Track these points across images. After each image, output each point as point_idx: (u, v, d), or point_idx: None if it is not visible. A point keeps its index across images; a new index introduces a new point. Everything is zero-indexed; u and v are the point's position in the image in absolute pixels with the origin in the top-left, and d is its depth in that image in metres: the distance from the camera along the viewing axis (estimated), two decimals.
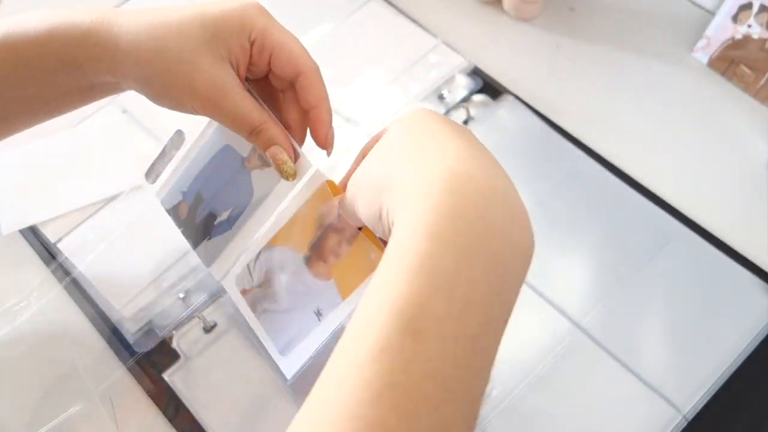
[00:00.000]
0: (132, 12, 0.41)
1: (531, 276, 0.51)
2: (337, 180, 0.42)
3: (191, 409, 0.47)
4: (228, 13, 0.40)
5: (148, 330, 0.50)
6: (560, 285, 0.51)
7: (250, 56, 0.41)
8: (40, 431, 0.47)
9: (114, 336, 0.50)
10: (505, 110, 0.59)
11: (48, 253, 0.54)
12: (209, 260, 0.46)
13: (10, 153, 0.59)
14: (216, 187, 0.46)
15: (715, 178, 0.56)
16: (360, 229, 0.40)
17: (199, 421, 0.47)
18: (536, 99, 0.60)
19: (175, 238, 0.51)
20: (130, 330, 0.50)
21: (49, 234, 0.55)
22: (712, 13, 0.63)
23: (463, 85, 0.60)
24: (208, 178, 0.46)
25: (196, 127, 0.47)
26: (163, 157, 0.49)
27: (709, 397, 0.47)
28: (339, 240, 0.41)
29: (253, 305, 0.44)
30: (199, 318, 0.51)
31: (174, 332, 0.50)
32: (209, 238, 0.46)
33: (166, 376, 0.48)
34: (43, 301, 0.52)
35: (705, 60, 0.62)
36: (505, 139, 0.58)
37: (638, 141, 0.58)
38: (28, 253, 0.55)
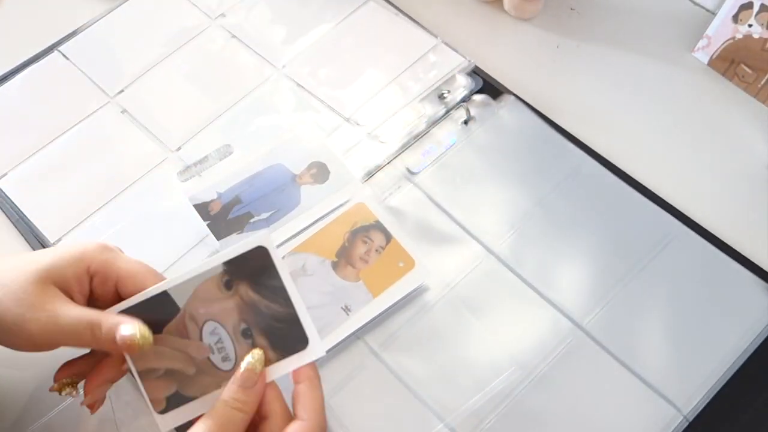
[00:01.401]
0: None
1: (531, 276, 0.51)
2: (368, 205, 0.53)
3: None
4: (64, 253, 0.41)
5: None
6: (561, 285, 0.51)
7: (91, 287, 0.41)
8: (35, 425, 0.47)
9: None
10: (506, 110, 0.59)
11: None
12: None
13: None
14: (260, 193, 0.54)
15: (715, 177, 0.56)
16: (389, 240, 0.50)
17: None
18: (536, 98, 0.60)
19: (173, 241, 0.51)
20: None
21: (48, 234, 0.55)
22: (712, 13, 0.63)
23: (463, 84, 0.60)
24: (252, 185, 0.54)
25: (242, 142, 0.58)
26: (204, 162, 0.56)
27: (710, 397, 0.47)
28: (368, 249, 0.51)
29: None
30: None
31: None
32: (240, 232, 0.52)
33: None
34: None
35: (705, 60, 0.62)
36: (506, 138, 0.58)
37: (638, 140, 0.58)
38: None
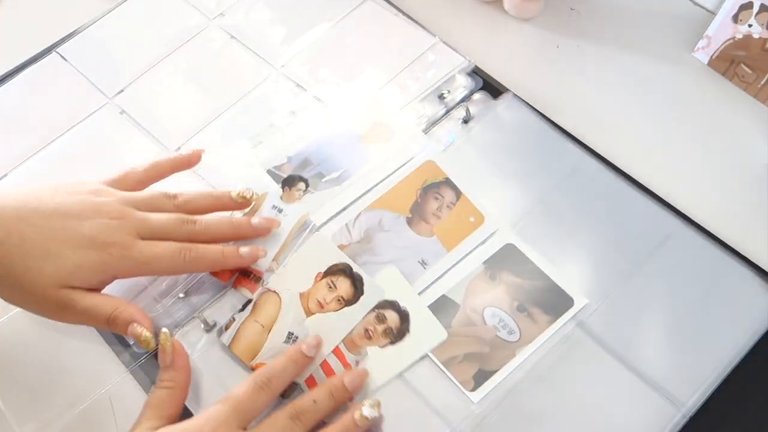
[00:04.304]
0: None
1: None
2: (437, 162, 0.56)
3: (192, 410, 0.47)
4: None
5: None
6: (561, 283, 0.51)
7: None
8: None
9: (114, 336, 0.50)
10: (506, 109, 0.59)
11: None
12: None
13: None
14: (327, 154, 0.57)
15: (715, 177, 0.56)
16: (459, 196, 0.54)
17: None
18: (536, 98, 0.60)
19: None
20: None
21: None
22: (712, 13, 0.63)
23: (463, 84, 0.60)
24: (320, 146, 0.57)
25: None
26: (271, 128, 0.59)
27: (708, 395, 0.47)
28: (440, 205, 0.54)
29: (353, 258, 0.52)
30: (199, 318, 0.50)
31: (174, 332, 0.50)
32: (314, 192, 0.55)
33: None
34: None
35: (705, 60, 0.62)
36: (506, 137, 0.58)
37: (638, 140, 0.58)
38: None
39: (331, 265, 0.51)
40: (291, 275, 0.51)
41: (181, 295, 0.51)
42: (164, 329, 0.46)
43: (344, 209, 0.54)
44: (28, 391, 0.49)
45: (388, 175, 0.55)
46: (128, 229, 0.47)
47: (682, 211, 0.54)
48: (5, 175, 0.58)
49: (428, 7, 0.66)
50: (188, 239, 0.49)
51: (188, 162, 0.54)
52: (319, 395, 0.45)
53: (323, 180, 0.55)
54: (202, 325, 0.50)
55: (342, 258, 0.51)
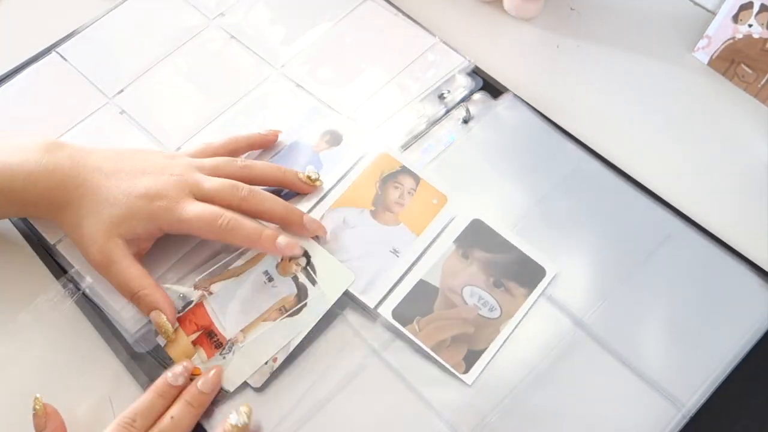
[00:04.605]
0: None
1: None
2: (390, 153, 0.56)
3: None
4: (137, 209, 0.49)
5: (148, 330, 0.50)
6: (561, 282, 0.51)
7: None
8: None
9: (113, 336, 0.50)
10: (506, 109, 0.59)
11: (47, 253, 0.54)
12: None
13: None
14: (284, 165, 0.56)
15: (715, 177, 0.56)
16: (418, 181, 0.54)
17: (200, 421, 0.47)
18: (536, 98, 0.60)
19: (172, 239, 0.51)
20: (130, 330, 0.50)
21: (48, 235, 0.54)
22: (712, 13, 0.63)
23: (463, 84, 0.60)
24: (277, 162, 0.57)
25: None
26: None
27: (709, 395, 0.47)
28: (401, 193, 0.54)
29: None
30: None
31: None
32: None
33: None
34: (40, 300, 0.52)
35: (705, 60, 0.62)
36: (506, 137, 0.58)
37: (638, 140, 0.58)
38: (26, 253, 0.54)
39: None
40: (251, 353, 0.49)
41: (181, 294, 0.51)
42: (37, 394, 0.46)
43: (308, 213, 0.53)
44: (27, 391, 0.49)
45: (345, 173, 0.55)
46: (182, 187, 0.49)
47: (682, 211, 0.54)
48: None
49: (428, 7, 0.66)
50: (238, 207, 0.49)
51: (265, 141, 0.57)
52: (176, 410, 0.45)
53: (283, 192, 0.55)
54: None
55: None
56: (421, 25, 0.64)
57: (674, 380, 0.47)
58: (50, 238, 0.54)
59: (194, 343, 0.49)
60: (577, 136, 0.57)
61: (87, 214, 0.48)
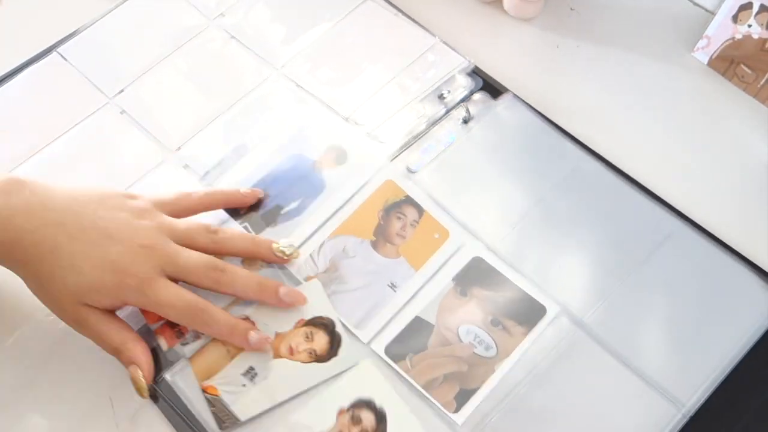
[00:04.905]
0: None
1: (530, 273, 0.51)
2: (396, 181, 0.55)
3: (192, 410, 0.47)
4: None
5: (149, 330, 0.50)
6: (560, 282, 0.51)
7: None
8: None
9: None
10: (506, 109, 0.59)
11: None
12: None
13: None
14: (284, 185, 0.55)
15: (715, 177, 0.56)
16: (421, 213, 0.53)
17: (201, 421, 0.47)
18: (536, 98, 0.60)
19: None
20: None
21: None
22: (712, 13, 0.63)
23: (463, 84, 0.60)
24: (275, 178, 0.56)
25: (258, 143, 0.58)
26: (221, 165, 0.57)
27: (709, 394, 0.47)
28: (403, 224, 0.53)
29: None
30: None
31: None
32: (274, 225, 0.54)
33: (167, 376, 0.48)
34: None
35: (705, 60, 0.62)
36: (506, 137, 0.58)
37: (638, 140, 0.58)
38: None
39: (316, 315, 0.50)
40: (274, 312, 0.49)
41: None
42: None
43: (307, 240, 0.53)
44: (27, 391, 0.49)
45: (348, 200, 0.54)
46: (154, 262, 0.46)
47: (682, 211, 0.54)
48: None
49: (428, 7, 0.66)
50: (210, 288, 0.48)
51: (243, 201, 0.54)
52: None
53: (282, 212, 0.54)
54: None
55: (330, 313, 0.50)
56: (421, 25, 0.64)
57: (674, 380, 0.47)
58: None
59: (156, 332, 0.49)
60: (576, 136, 0.57)
61: (50, 279, 0.46)
